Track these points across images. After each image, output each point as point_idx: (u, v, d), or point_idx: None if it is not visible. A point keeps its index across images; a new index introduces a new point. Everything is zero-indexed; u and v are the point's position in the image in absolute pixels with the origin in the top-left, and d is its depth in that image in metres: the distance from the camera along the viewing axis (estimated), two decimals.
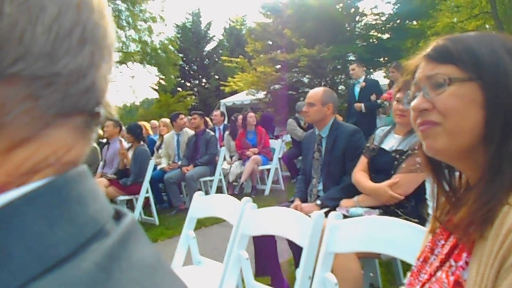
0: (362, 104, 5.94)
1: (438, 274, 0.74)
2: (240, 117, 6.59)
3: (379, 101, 5.74)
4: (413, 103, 0.75)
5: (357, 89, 6.18)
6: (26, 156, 0.26)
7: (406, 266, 2.15)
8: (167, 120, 6.36)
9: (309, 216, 1.68)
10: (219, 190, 5.73)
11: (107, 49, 0.31)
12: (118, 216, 0.30)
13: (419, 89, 0.75)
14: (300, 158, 6.56)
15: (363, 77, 6.29)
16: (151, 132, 7.24)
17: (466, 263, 0.68)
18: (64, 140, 0.28)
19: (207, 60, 25.01)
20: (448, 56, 0.72)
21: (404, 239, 1.32)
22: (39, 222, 0.24)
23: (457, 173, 0.81)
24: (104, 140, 5.82)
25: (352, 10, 11.19)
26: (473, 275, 0.63)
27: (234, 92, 13.43)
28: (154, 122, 7.90)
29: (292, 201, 2.67)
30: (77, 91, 0.28)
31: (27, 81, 0.26)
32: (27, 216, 0.24)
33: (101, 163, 5.20)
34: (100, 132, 6.62)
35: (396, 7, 11.37)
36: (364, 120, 5.86)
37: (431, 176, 0.82)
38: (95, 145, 5.49)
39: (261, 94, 11.34)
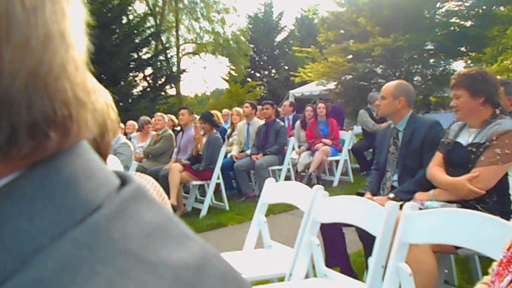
0: None
1: None
2: (309, 108, 6.57)
3: None
4: None
5: None
6: None
7: (485, 264, 2.04)
8: (240, 110, 6.52)
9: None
10: (287, 179, 5.78)
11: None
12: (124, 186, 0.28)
13: None
14: (370, 150, 6.44)
15: None
16: (222, 121, 7.47)
17: None
18: None
19: (277, 50, 25.08)
20: None
21: (486, 233, 1.27)
22: (15, 217, 0.23)
23: None
24: (178, 128, 6.10)
25: None
26: None
27: (303, 83, 13.31)
28: (226, 110, 8.17)
29: (361, 194, 2.64)
30: None
31: None
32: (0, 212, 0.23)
33: (175, 149, 5.47)
34: (175, 120, 6.96)
35: None
36: None
37: None
38: (170, 131, 5.79)
39: (331, 85, 11.15)
